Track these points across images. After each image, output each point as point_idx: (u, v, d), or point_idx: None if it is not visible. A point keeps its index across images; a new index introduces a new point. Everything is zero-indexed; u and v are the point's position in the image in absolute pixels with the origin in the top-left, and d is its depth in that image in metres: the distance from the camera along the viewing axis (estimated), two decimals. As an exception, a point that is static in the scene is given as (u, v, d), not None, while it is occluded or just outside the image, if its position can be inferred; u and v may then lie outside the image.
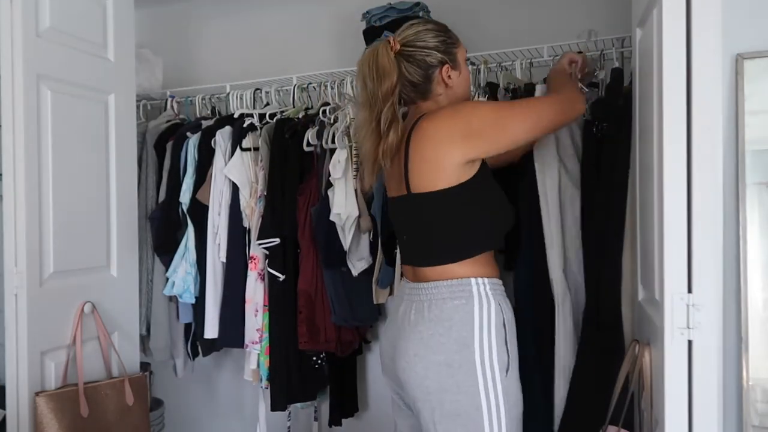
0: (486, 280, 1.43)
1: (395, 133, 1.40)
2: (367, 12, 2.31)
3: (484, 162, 1.47)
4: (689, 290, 1.14)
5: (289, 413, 2.36)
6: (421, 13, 2.22)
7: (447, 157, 1.38)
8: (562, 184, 1.74)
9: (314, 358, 2.21)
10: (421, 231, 1.47)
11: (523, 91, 1.97)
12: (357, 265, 2.05)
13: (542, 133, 1.57)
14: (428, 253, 1.46)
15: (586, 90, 1.76)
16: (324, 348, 2.14)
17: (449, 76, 1.46)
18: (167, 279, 2.35)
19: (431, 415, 1.38)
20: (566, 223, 1.74)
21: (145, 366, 2.39)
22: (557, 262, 1.71)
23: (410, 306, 1.46)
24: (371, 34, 2.29)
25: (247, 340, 2.21)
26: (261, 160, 2.19)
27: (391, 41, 1.43)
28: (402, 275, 1.64)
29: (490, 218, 1.48)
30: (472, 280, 1.42)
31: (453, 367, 1.36)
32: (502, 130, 1.42)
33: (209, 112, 2.59)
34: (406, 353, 1.41)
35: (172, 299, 2.44)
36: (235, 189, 2.24)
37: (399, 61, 1.42)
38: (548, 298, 1.74)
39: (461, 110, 1.42)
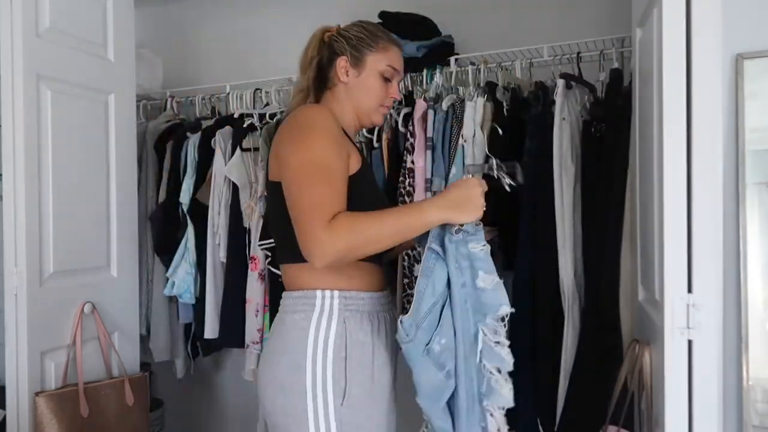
0: (337, 293, 1.27)
1: (299, 102, 1.40)
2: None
3: None
4: (689, 290, 1.14)
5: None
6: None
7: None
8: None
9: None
10: (284, 222, 1.25)
11: (521, 91, 1.97)
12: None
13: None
14: (291, 249, 1.26)
15: None
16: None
17: (345, 72, 1.39)
18: (167, 279, 2.35)
19: None
20: (575, 225, 1.75)
21: (145, 366, 2.39)
22: (569, 265, 1.71)
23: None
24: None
25: (247, 341, 2.21)
26: (261, 160, 2.19)
27: (332, 29, 1.45)
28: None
29: None
30: (318, 292, 1.27)
31: (285, 389, 1.24)
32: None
33: (209, 112, 2.59)
34: (261, 368, 1.33)
35: (172, 299, 2.44)
36: (235, 189, 2.24)
37: (329, 44, 1.42)
38: (548, 299, 1.74)
39: (303, 127, 1.27)
